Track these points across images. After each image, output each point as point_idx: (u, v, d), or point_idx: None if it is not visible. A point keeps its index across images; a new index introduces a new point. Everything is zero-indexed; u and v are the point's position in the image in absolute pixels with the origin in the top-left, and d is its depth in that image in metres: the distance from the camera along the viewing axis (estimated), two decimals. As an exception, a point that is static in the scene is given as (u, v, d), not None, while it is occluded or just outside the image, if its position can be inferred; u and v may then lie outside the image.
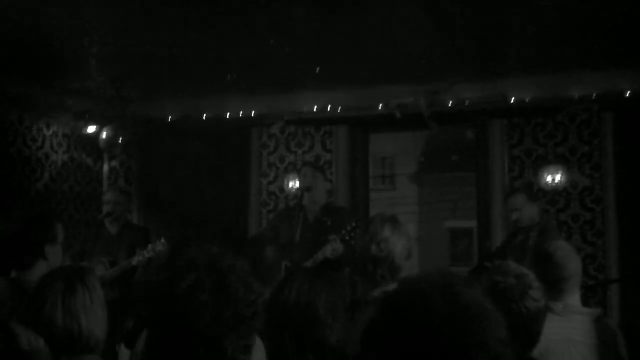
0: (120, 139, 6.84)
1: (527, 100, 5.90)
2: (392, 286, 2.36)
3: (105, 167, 7.29)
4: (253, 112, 6.66)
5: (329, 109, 6.44)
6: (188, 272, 1.51)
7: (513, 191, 5.07)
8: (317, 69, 5.41)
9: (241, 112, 6.68)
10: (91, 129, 6.72)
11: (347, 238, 4.25)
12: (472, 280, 1.22)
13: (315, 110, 6.48)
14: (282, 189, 6.75)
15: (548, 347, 2.36)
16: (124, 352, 3.16)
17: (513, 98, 5.91)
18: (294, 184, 6.54)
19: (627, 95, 5.60)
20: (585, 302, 2.86)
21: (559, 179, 5.83)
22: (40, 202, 6.23)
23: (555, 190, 5.91)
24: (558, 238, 4.25)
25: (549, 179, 5.85)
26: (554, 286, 2.58)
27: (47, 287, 2.02)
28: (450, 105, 5.99)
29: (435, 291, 1.17)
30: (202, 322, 1.46)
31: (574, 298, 2.66)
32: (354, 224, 4.28)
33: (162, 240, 4.91)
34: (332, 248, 4.23)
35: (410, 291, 1.21)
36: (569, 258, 2.69)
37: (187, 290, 1.48)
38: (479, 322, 1.14)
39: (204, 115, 6.78)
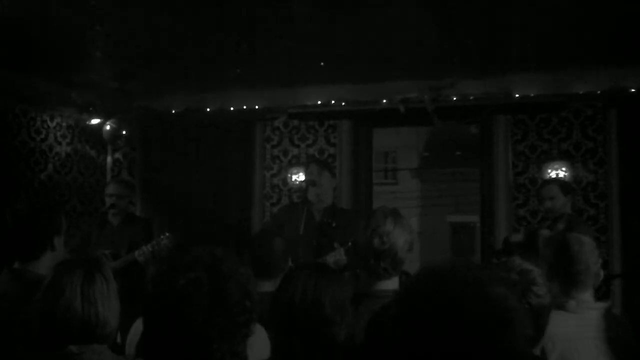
0: (124, 131, 6.85)
1: (531, 97, 5.89)
2: (395, 280, 2.37)
3: (109, 159, 7.31)
4: (257, 106, 6.67)
5: (332, 104, 6.44)
6: (188, 270, 1.48)
7: (547, 182, 5.22)
8: (321, 63, 5.40)
9: (245, 105, 6.69)
10: (95, 121, 6.73)
11: (351, 251, 4.07)
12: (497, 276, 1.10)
13: (318, 104, 6.48)
14: (286, 182, 6.76)
15: (564, 349, 2.36)
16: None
17: (517, 94, 5.91)
18: (297, 177, 6.54)
19: (632, 91, 5.59)
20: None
21: (563, 174, 5.83)
22: (44, 194, 6.25)
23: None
24: (586, 231, 4.22)
25: (553, 174, 5.84)
26: (568, 279, 2.56)
27: (66, 276, 2.03)
28: (454, 100, 5.99)
29: (467, 290, 1.08)
30: (193, 323, 1.43)
31: (587, 294, 2.63)
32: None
33: (167, 234, 4.89)
34: (335, 259, 4.14)
35: (437, 289, 1.11)
36: (585, 252, 2.65)
37: (184, 289, 1.45)
38: (512, 328, 1.07)
39: (208, 108, 6.78)
